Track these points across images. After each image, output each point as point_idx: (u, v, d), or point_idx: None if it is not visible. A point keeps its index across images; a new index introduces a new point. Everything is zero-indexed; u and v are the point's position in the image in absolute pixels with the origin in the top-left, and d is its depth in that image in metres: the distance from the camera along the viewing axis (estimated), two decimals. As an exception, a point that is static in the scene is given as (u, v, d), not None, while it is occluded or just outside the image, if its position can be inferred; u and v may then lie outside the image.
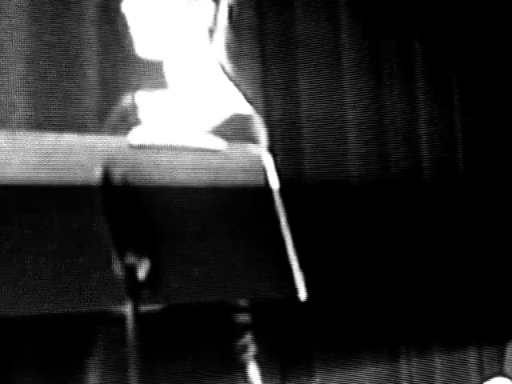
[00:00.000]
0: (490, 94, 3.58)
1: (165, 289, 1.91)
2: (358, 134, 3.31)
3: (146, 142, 1.98)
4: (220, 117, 2.29)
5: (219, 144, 2.06)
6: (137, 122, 2.35)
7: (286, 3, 3.21)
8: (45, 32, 2.64)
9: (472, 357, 3.47)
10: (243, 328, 2.24)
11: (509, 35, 3.56)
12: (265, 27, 3.15)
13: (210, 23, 2.38)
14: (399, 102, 3.42)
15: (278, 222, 2.02)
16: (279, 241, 2.01)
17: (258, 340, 2.25)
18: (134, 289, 1.87)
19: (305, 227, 2.70)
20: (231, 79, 2.39)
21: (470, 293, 3.43)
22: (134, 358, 1.88)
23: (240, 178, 2.02)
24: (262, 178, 2.03)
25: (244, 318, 2.24)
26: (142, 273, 1.88)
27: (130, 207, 1.89)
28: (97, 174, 1.87)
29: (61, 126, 2.62)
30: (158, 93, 2.39)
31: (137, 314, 1.86)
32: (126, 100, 2.42)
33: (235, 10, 2.43)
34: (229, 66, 2.40)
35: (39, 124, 2.64)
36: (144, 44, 2.34)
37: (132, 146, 1.94)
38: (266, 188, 2.03)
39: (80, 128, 2.65)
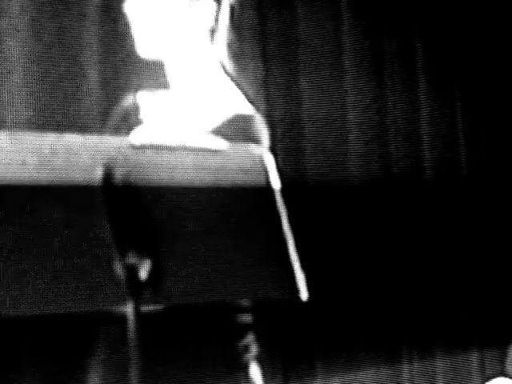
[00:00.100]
0: (492, 93, 3.58)
1: (166, 289, 1.91)
2: (359, 134, 3.31)
3: (148, 142, 1.98)
4: (221, 117, 2.29)
5: (220, 144, 2.06)
6: (138, 123, 2.35)
7: (287, 3, 3.21)
8: (46, 32, 2.64)
9: (474, 357, 3.47)
10: (245, 328, 2.24)
11: (511, 35, 3.56)
12: (266, 27, 3.15)
13: (211, 23, 2.38)
14: (400, 102, 3.42)
15: (279, 222, 2.02)
16: (280, 241, 2.01)
17: (259, 340, 2.25)
18: (135, 289, 1.87)
19: (306, 227, 2.70)
20: (232, 79, 2.39)
21: (471, 293, 3.43)
22: (136, 359, 1.88)
23: (241, 178, 2.02)
24: (263, 178, 2.03)
25: (245, 318, 2.24)
26: (143, 273, 1.88)
27: (132, 207, 1.89)
28: (98, 174, 1.87)
29: (62, 127, 2.62)
30: (160, 93, 2.39)
31: (138, 314, 1.86)
32: (128, 100, 2.42)
33: (237, 10, 2.42)
34: (230, 66, 2.40)
35: (40, 124, 2.64)
36: (145, 44, 2.34)
37: (133, 147, 1.94)
38: (268, 188, 2.03)
39: (81, 128, 2.65)
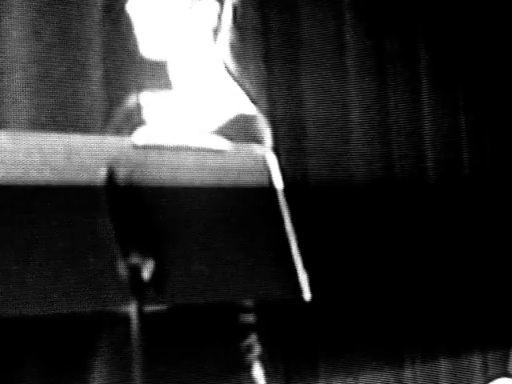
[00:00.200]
0: (494, 93, 3.57)
1: (169, 289, 1.90)
2: (361, 134, 3.31)
3: (150, 142, 1.98)
4: (224, 117, 2.29)
5: (223, 144, 2.06)
6: (141, 123, 2.34)
7: (289, 3, 3.21)
8: (49, 32, 2.64)
9: (476, 358, 3.47)
10: (247, 328, 2.24)
11: (512, 35, 3.56)
12: (268, 27, 3.16)
13: (213, 23, 2.38)
14: (402, 102, 3.42)
15: (282, 222, 2.01)
16: (283, 241, 2.01)
17: (262, 340, 2.25)
18: (138, 289, 1.87)
19: (309, 227, 2.70)
20: (235, 79, 2.38)
21: (474, 294, 3.43)
22: (139, 358, 1.88)
23: (244, 179, 2.02)
24: (266, 178, 2.03)
25: (248, 318, 2.24)
26: (146, 273, 1.87)
27: (134, 207, 1.89)
28: (101, 174, 1.87)
29: (64, 127, 2.62)
30: (162, 93, 2.39)
31: (141, 314, 1.86)
32: (130, 100, 2.42)
33: (239, 10, 2.42)
34: (233, 66, 2.40)
35: (43, 124, 2.64)
36: (148, 44, 2.34)
37: (136, 147, 1.94)
38: (270, 188, 2.03)
39: (84, 128, 2.65)
